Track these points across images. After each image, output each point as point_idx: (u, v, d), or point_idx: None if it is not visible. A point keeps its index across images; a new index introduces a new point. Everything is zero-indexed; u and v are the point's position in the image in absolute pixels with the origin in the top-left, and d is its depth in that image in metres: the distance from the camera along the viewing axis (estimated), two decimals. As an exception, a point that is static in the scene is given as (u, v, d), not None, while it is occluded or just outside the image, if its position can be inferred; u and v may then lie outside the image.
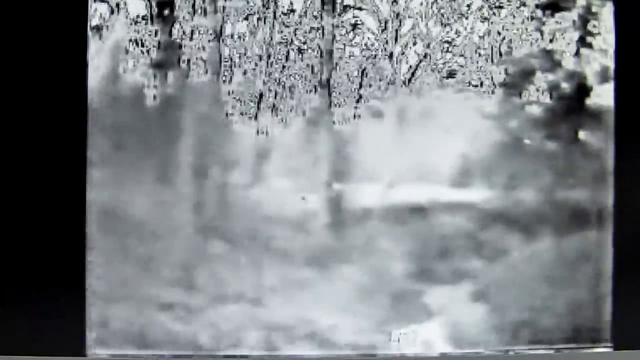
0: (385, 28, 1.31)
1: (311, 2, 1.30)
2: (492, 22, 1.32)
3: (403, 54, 1.31)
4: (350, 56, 1.31)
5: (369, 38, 1.31)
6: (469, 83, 1.32)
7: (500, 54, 1.33)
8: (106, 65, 1.28)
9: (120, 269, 1.28)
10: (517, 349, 1.34)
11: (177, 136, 1.28)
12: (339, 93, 1.31)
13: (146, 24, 1.28)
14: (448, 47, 1.32)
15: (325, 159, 1.30)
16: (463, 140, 1.32)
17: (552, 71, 1.33)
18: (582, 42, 1.33)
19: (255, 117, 1.30)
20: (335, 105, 1.31)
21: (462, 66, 1.32)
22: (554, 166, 1.33)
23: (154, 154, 1.28)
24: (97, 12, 1.27)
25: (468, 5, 1.32)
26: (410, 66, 1.31)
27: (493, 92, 1.32)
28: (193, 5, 1.28)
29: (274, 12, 1.29)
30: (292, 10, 1.30)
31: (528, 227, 1.33)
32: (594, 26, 1.33)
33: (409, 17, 1.31)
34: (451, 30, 1.32)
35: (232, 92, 1.29)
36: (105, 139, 1.27)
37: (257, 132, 1.30)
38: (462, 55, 1.32)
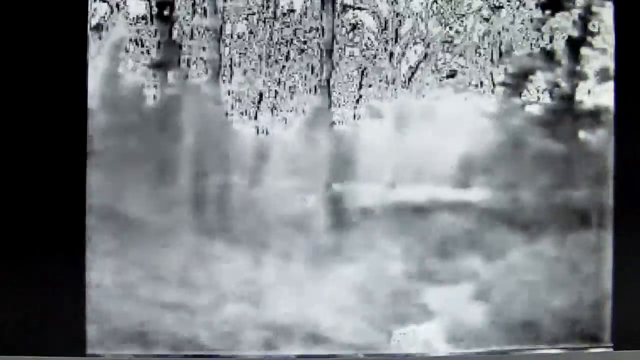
0: (385, 28, 1.31)
1: (311, 2, 1.30)
2: (492, 22, 1.33)
3: (403, 54, 1.31)
4: (350, 56, 1.31)
5: (369, 38, 1.31)
6: (469, 83, 1.32)
7: (500, 54, 1.33)
8: (106, 65, 1.28)
9: (121, 269, 1.28)
10: (517, 349, 1.33)
11: (177, 136, 1.28)
12: (339, 93, 1.31)
13: (146, 24, 1.28)
14: (448, 47, 1.32)
15: (325, 159, 1.30)
16: (463, 140, 1.32)
17: (552, 71, 1.33)
18: (582, 42, 1.34)
19: (255, 117, 1.30)
20: (335, 105, 1.31)
21: (462, 66, 1.32)
22: (554, 166, 1.33)
23: (154, 153, 1.28)
24: (97, 12, 1.27)
25: (468, 5, 1.32)
26: (410, 66, 1.31)
27: (493, 92, 1.32)
28: (193, 5, 1.28)
29: (274, 12, 1.29)
30: (292, 10, 1.30)
31: (528, 227, 1.33)
32: (594, 26, 1.34)
33: (409, 17, 1.31)
34: (451, 30, 1.32)
35: (232, 92, 1.29)
36: (105, 139, 1.27)
37: (257, 132, 1.30)
38: (462, 55, 1.32)
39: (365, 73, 1.31)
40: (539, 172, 1.33)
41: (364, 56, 1.31)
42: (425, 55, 1.32)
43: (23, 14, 1.26)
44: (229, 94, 1.29)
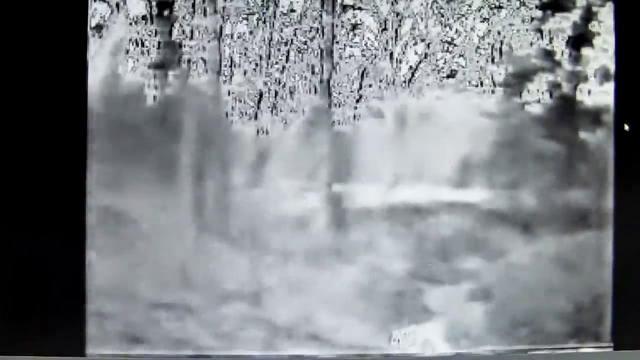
0: (385, 28, 1.31)
1: (311, 2, 1.30)
2: (492, 22, 1.32)
3: (403, 54, 1.31)
4: (350, 56, 1.31)
5: (369, 38, 1.31)
6: (469, 83, 1.32)
7: (500, 54, 1.33)
8: (106, 65, 1.28)
9: (120, 269, 1.28)
10: (517, 349, 1.33)
11: (177, 136, 1.28)
12: (339, 93, 1.31)
13: (146, 24, 1.28)
14: (448, 47, 1.32)
15: (325, 159, 1.30)
16: (463, 140, 1.32)
17: (552, 71, 1.33)
18: (582, 42, 1.34)
19: (255, 117, 1.30)
20: (335, 105, 1.31)
21: (462, 66, 1.32)
22: (554, 166, 1.33)
23: (154, 154, 1.28)
24: (97, 12, 1.27)
25: (468, 5, 1.32)
26: (411, 66, 1.31)
27: (493, 92, 1.32)
28: (193, 5, 1.28)
29: (274, 12, 1.29)
30: (292, 10, 1.30)
31: (528, 227, 1.33)
32: (594, 26, 1.34)
33: (409, 17, 1.31)
34: (451, 30, 1.32)
35: (232, 92, 1.29)
36: (106, 139, 1.27)
37: (257, 132, 1.30)
38: (462, 56, 1.32)
39: (365, 73, 1.31)
40: (539, 172, 1.33)
41: (364, 56, 1.31)
42: (425, 55, 1.32)
43: (23, 14, 1.26)
44: (229, 94, 1.29)
